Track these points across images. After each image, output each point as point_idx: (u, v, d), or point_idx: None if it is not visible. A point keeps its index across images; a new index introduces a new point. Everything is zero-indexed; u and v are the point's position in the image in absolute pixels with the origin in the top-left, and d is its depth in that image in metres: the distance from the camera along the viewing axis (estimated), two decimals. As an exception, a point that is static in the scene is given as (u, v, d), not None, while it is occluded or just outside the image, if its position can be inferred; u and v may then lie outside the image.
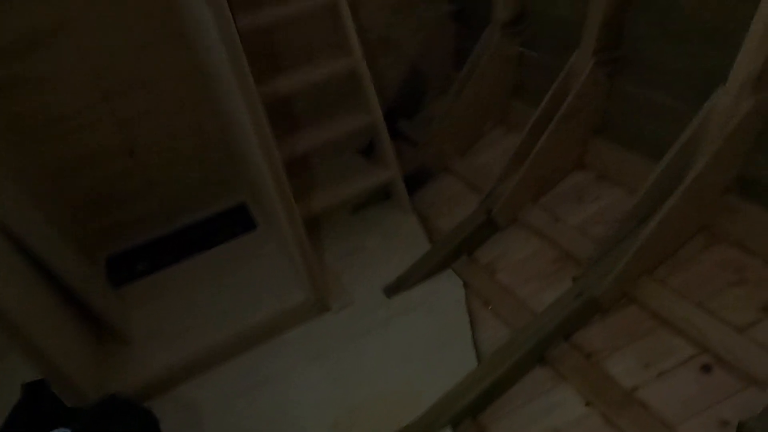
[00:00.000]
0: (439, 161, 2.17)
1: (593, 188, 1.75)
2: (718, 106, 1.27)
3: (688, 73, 1.44)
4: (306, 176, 2.18)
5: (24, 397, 1.14)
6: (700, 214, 1.40)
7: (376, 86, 1.85)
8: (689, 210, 1.36)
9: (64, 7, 1.64)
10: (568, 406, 1.33)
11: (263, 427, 1.48)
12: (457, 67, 2.41)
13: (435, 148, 2.13)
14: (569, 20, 1.75)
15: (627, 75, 1.61)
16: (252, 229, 2.14)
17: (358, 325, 1.70)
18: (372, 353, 1.61)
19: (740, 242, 1.37)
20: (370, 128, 1.92)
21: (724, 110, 1.26)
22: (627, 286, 1.40)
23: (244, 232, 2.13)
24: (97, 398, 1.27)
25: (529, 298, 1.60)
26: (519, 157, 1.79)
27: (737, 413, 1.11)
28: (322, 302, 1.74)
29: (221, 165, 2.18)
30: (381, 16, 2.18)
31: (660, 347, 1.31)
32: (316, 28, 1.98)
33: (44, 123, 1.78)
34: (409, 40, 2.31)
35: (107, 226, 2.07)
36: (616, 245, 1.45)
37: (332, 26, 1.83)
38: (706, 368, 1.22)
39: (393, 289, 1.79)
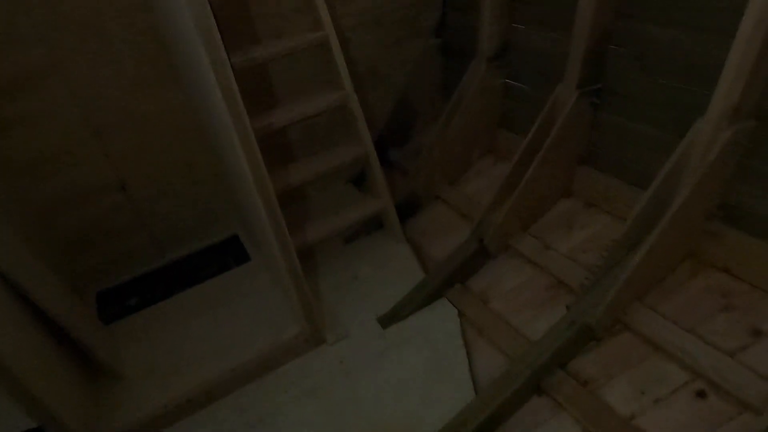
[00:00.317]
0: (429, 190, 2.20)
1: (581, 216, 1.79)
2: (699, 137, 1.33)
3: (667, 105, 1.49)
4: (298, 207, 2.20)
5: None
6: (686, 241, 1.44)
7: (366, 117, 1.89)
8: (675, 237, 1.40)
9: (56, 47, 1.66)
10: (566, 435, 1.33)
11: (260, 466, 1.45)
12: (444, 98, 2.47)
13: (425, 177, 2.17)
14: (551, 54, 1.82)
15: (610, 106, 1.67)
16: (244, 261, 2.13)
17: (354, 357, 1.70)
18: (368, 386, 1.60)
19: (726, 267, 1.41)
20: (361, 159, 1.95)
21: (704, 141, 1.31)
22: (619, 313, 1.43)
23: (236, 265, 2.13)
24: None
25: (524, 326, 1.61)
26: (508, 186, 1.83)
27: (733, 439, 1.13)
28: (317, 335, 1.74)
29: (212, 198, 2.18)
30: (369, 50, 2.23)
31: (654, 374, 1.33)
32: (307, 63, 2.03)
33: (34, 162, 1.78)
34: (396, 73, 2.36)
35: (97, 262, 2.05)
36: (607, 273, 1.48)
37: (323, 61, 1.87)
38: (700, 394, 1.24)
39: (388, 320, 1.79)
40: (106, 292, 2.08)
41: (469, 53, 2.11)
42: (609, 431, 1.27)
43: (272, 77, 2.02)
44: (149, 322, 1.90)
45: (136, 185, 2.00)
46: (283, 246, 1.52)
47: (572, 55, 1.63)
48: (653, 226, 1.39)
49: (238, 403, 1.62)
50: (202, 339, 1.79)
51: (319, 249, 2.12)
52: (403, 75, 2.38)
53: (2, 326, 1.29)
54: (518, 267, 1.79)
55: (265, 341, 1.72)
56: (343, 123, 2.02)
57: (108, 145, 1.88)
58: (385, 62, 2.31)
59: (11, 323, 1.34)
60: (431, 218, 2.17)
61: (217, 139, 1.66)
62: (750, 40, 1.16)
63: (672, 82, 1.46)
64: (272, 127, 1.75)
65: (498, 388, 1.43)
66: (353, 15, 2.12)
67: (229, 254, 2.20)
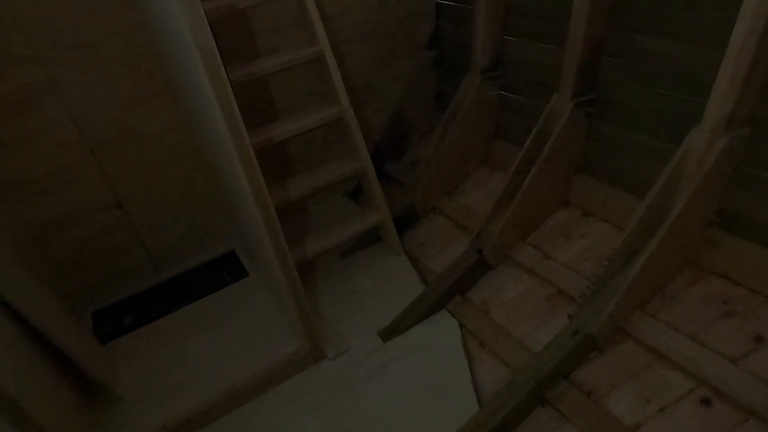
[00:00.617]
0: (426, 202, 2.21)
1: (579, 225, 1.80)
2: (695, 146, 1.34)
3: (662, 114, 1.51)
4: (296, 221, 2.19)
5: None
6: (685, 248, 1.45)
7: (362, 131, 1.89)
8: (674, 245, 1.41)
9: (52, 66, 1.66)
10: (573, 447, 1.32)
11: (262, 486, 1.43)
12: (439, 110, 2.49)
13: (422, 189, 2.17)
14: (545, 65, 1.84)
15: (605, 116, 1.68)
16: (242, 277, 2.12)
17: (355, 371, 1.68)
18: (371, 401, 1.58)
19: (725, 274, 1.41)
20: (358, 173, 1.95)
21: (700, 149, 1.33)
22: (621, 322, 1.43)
23: (233, 281, 2.11)
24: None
25: (525, 337, 1.61)
26: (506, 197, 1.83)
27: (740, 447, 1.13)
28: (318, 350, 1.72)
29: (209, 214, 2.17)
30: (364, 64, 2.25)
31: (658, 382, 1.32)
32: (303, 77, 2.04)
33: (30, 180, 1.77)
34: (391, 86, 2.38)
35: (93, 281, 2.03)
36: (608, 282, 1.48)
37: (319, 76, 1.88)
38: (705, 402, 1.24)
39: (388, 333, 1.78)
40: (102, 310, 2.06)
41: (463, 66, 2.13)
42: (615, 442, 1.27)
43: (269, 92, 2.03)
44: (146, 341, 1.88)
45: (132, 203, 1.98)
46: (283, 261, 1.51)
47: (566, 66, 1.65)
48: (652, 234, 1.40)
49: (239, 421, 1.59)
50: (200, 357, 1.77)
51: (317, 263, 2.11)
52: (398, 88, 2.40)
53: (0, 350, 1.27)
54: (518, 277, 1.79)
55: (265, 358, 1.70)
56: (339, 137, 2.02)
57: (104, 164, 1.87)
58: (380, 76, 2.32)
59: (8, 344, 1.32)
60: (429, 230, 2.17)
61: (214, 154, 1.66)
62: (742, 49, 1.17)
63: (666, 92, 1.48)
64: (270, 142, 1.75)
65: (502, 400, 1.43)
66: (347, 29, 2.13)
67: (226, 270, 2.19)
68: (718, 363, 1.26)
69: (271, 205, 1.41)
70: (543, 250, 1.79)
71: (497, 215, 1.86)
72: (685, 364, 1.30)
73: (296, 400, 1.63)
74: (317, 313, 1.88)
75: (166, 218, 2.09)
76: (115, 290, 2.09)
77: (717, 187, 1.36)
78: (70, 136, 1.78)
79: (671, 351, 1.33)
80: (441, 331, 1.75)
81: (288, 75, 1.98)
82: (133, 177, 1.95)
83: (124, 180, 1.93)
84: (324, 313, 1.89)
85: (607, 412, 1.32)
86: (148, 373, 1.74)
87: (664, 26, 1.43)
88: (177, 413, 1.56)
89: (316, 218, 2.30)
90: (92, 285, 2.03)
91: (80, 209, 1.90)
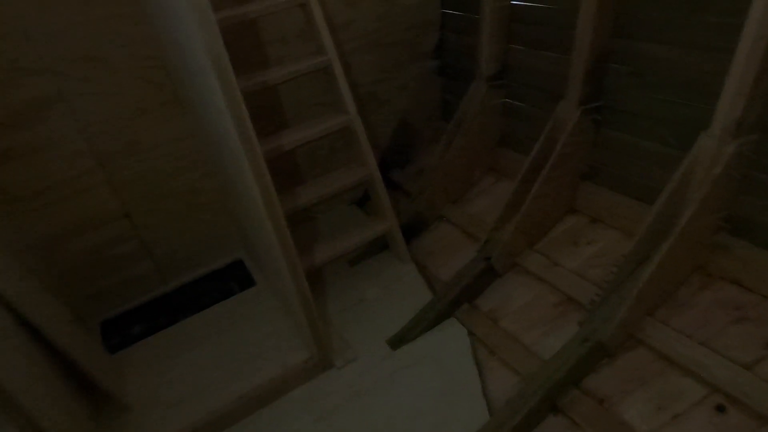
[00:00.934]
0: (433, 210, 2.21)
1: (587, 232, 1.80)
2: (703, 151, 1.34)
3: (668, 120, 1.52)
4: (304, 230, 2.19)
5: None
6: (695, 254, 1.45)
7: (368, 140, 1.90)
8: (684, 251, 1.40)
9: (61, 77, 1.67)
10: (585, 455, 1.31)
11: (272, 496, 1.42)
12: (444, 118, 2.50)
13: (428, 197, 2.17)
14: (551, 73, 1.85)
15: (612, 123, 1.69)
16: (249, 286, 2.12)
17: (364, 380, 1.67)
18: (380, 410, 1.57)
19: (736, 280, 1.41)
20: (365, 181, 1.96)
21: (709, 155, 1.33)
22: (632, 328, 1.42)
23: (240, 290, 2.11)
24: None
25: (535, 344, 1.60)
26: (513, 204, 1.84)
27: (756, 454, 1.11)
28: (326, 359, 1.72)
29: (216, 223, 2.18)
30: (370, 74, 2.26)
31: (671, 389, 1.31)
32: (310, 87, 2.05)
33: (38, 191, 1.77)
34: (397, 95, 2.39)
35: (101, 291, 2.03)
36: (617, 289, 1.48)
37: (326, 85, 1.90)
38: (720, 409, 1.23)
39: (397, 342, 1.77)
40: (110, 320, 2.06)
41: (468, 74, 2.14)
42: (629, 450, 1.26)
43: (277, 102, 2.04)
44: (154, 351, 1.88)
45: (139, 213, 1.99)
46: (293, 269, 1.51)
47: (573, 73, 1.66)
48: (662, 240, 1.40)
49: (248, 430, 1.58)
50: (208, 366, 1.77)
51: (324, 272, 2.11)
52: (403, 97, 2.41)
53: (11, 359, 1.27)
54: (526, 284, 1.79)
55: (274, 366, 1.69)
56: (345, 145, 2.04)
57: (112, 174, 1.88)
58: (385, 85, 2.34)
59: (19, 354, 1.32)
60: (436, 238, 2.17)
61: (223, 164, 1.66)
62: (750, 55, 1.18)
63: (672, 98, 1.49)
64: (278, 151, 1.76)
65: (513, 409, 1.42)
66: (353, 39, 2.15)
67: (233, 279, 2.19)
68: (731, 369, 1.25)
69: (281, 213, 1.42)
70: (551, 257, 1.78)
71: (504, 223, 1.86)
72: (697, 370, 1.29)
73: (305, 409, 1.62)
74: (325, 322, 1.87)
75: (173, 228, 2.09)
76: (122, 300, 2.09)
77: (726, 192, 1.36)
78: (78, 147, 1.79)
79: (683, 357, 1.33)
80: (450, 340, 1.74)
81: (295, 84, 1.99)
82: (140, 187, 1.96)
83: (131, 190, 1.94)
84: (332, 322, 1.89)
85: (620, 420, 1.31)
86: (156, 382, 1.74)
87: (670, 33, 1.44)
88: (185, 423, 1.56)
89: (323, 226, 2.30)
90: (100, 295, 2.03)
91: (88, 220, 1.91)
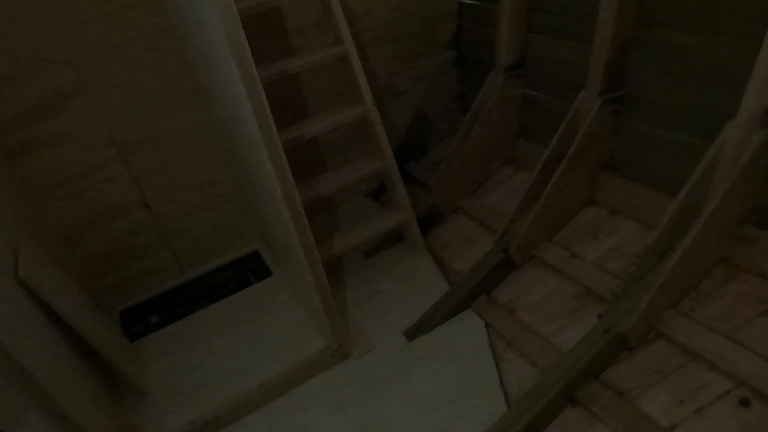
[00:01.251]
0: (449, 202, 2.20)
1: (607, 223, 1.77)
2: (729, 141, 1.31)
3: (692, 110, 1.49)
4: (320, 221, 2.19)
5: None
6: (719, 246, 1.42)
7: (385, 131, 1.89)
8: (709, 242, 1.38)
9: (82, 69, 1.69)
10: (605, 447, 1.30)
11: (290, 484, 1.43)
12: (461, 110, 2.48)
13: (445, 188, 2.16)
14: (570, 62, 1.82)
15: (633, 113, 1.66)
16: (265, 276, 2.13)
17: (381, 371, 1.68)
18: (397, 400, 1.58)
19: (761, 272, 1.38)
20: (382, 172, 1.95)
21: (735, 144, 1.30)
22: (653, 321, 1.40)
23: (257, 281, 2.12)
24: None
25: (553, 336, 1.59)
26: (531, 195, 1.82)
27: (783, 448, 1.10)
28: (343, 349, 1.72)
29: (233, 214, 2.19)
30: (386, 64, 2.25)
31: (693, 382, 1.30)
32: (327, 77, 2.05)
33: (60, 182, 1.80)
34: (413, 86, 2.38)
35: (120, 280, 2.06)
36: (639, 280, 1.46)
37: (343, 75, 1.89)
38: (744, 402, 1.21)
39: (414, 333, 1.77)
40: (129, 309, 2.08)
41: (486, 65, 2.12)
42: (650, 442, 1.25)
43: (294, 92, 2.04)
44: (172, 340, 1.90)
45: (158, 203, 2.01)
46: (311, 259, 1.51)
47: (594, 63, 1.63)
48: (685, 231, 1.37)
49: (265, 419, 1.60)
50: (226, 355, 1.78)
51: (340, 263, 2.11)
52: (420, 88, 2.40)
53: (36, 346, 1.29)
54: (544, 277, 1.77)
55: (291, 356, 1.70)
56: (361, 136, 2.03)
57: (132, 164, 1.90)
58: (402, 76, 2.32)
59: (45, 341, 1.34)
60: (452, 230, 2.16)
61: (242, 155, 1.67)
62: (780, 41, 1.15)
63: (697, 87, 1.46)
64: (296, 141, 1.76)
65: (531, 400, 1.41)
66: (370, 30, 2.14)
67: (249, 270, 2.20)
68: (756, 363, 1.23)
69: (299, 203, 1.42)
70: (570, 249, 1.77)
71: (523, 214, 1.84)
72: (721, 363, 1.27)
73: (322, 398, 1.63)
74: (342, 312, 1.88)
75: (190, 219, 2.11)
76: (141, 289, 2.12)
77: (753, 183, 1.33)
78: (99, 137, 1.81)
79: (706, 350, 1.31)
80: (467, 331, 1.74)
81: (312, 75, 1.99)
82: (159, 178, 1.97)
83: (150, 181, 1.96)
84: (349, 312, 1.90)
85: (641, 413, 1.30)
86: (175, 371, 1.76)
87: (695, 20, 1.41)
88: (205, 411, 1.57)
89: (339, 218, 2.30)
90: (120, 284, 2.06)
91: (109, 209, 1.93)
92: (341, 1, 1.76)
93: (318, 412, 1.59)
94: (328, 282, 1.60)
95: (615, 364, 1.43)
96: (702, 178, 1.37)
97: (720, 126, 1.34)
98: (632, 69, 1.62)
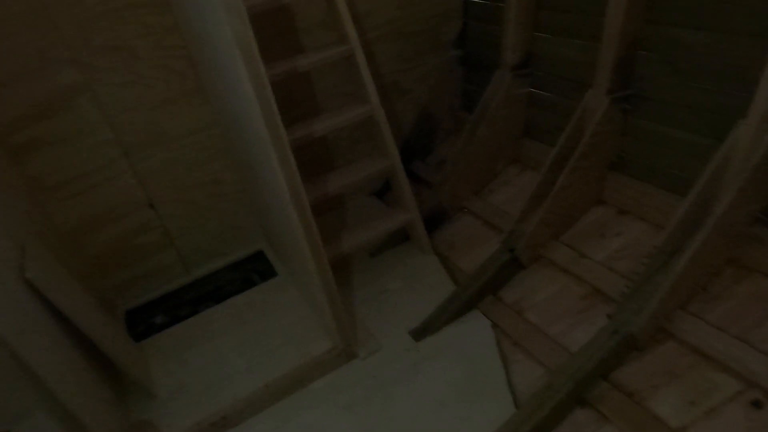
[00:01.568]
0: (455, 201, 2.19)
1: (614, 223, 1.76)
2: (741, 140, 1.30)
3: (702, 109, 1.47)
4: (326, 220, 2.19)
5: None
6: (729, 246, 1.41)
7: (390, 130, 1.88)
8: (719, 242, 1.37)
9: (87, 68, 1.68)
10: (615, 449, 1.29)
11: (297, 485, 1.42)
12: (466, 109, 2.47)
13: (450, 188, 2.15)
14: (577, 61, 1.81)
15: (641, 112, 1.65)
16: (271, 276, 2.12)
17: (387, 371, 1.67)
18: (404, 401, 1.57)
19: (772, 273, 1.37)
20: (387, 171, 1.94)
21: (746, 144, 1.29)
22: (663, 321, 1.40)
23: (262, 281, 2.12)
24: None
25: (561, 337, 1.58)
26: (538, 195, 1.81)
27: (796, 450, 1.09)
28: (349, 349, 1.72)
29: (237, 214, 2.18)
30: (391, 63, 2.24)
31: (704, 383, 1.29)
32: (333, 77, 2.04)
33: (64, 182, 1.79)
34: (418, 85, 2.37)
35: (126, 280, 2.05)
36: (648, 280, 1.45)
37: (348, 75, 1.88)
38: (756, 404, 1.20)
39: (420, 333, 1.77)
40: (134, 310, 2.08)
41: (491, 64, 2.11)
42: (660, 444, 1.24)
43: (299, 91, 2.03)
44: (178, 340, 1.89)
45: (163, 203, 2.00)
46: (318, 259, 1.51)
47: (602, 61, 1.62)
48: (695, 231, 1.36)
49: (272, 420, 1.59)
50: (232, 356, 1.78)
51: (346, 262, 2.10)
52: (425, 87, 2.39)
53: (42, 346, 1.28)
54: (551, 277, 1.76)
55: (297, 356, 1.70)
56: (365, 136, 2.02)
57: (137, 164, 1.89)
58: (407, 75, 2.31)
59: (50, 342, 1.34)
60: (458, 230, 2.15)
61: (248, 154, 1.66)
62: (793, 40, 1.14)
63: (706, 86, 1.45)
64: (302, 141, 1.75)
65: (540, 401, 1.40)
66: (375, 29, 2.13)
67: (254, 270, 2.19)
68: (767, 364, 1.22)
69: (306, 202, 1.41)
70: (577, 248, 1.76)
71: (529, 214, 1.83)
72: (732, 365, 1.26)
73: (329, 399, 1.63)
74: (348, 312, 1.87)
75: (195, 218, 2.11)
76: (146, 290, 2.12)
77: (764, 183, 1.32)
78: (104, 137, 1.80)
79: (717, 351, 1.30)
80: (473, 331, 1.73)
81: (318, 74, 1.98)
82: (164, 177, 1.97)
83: (156, 180, 1.95)
84: (355, 312, 1.89)
85: (651, 414, 1.29)
86: (180, 371, 1.75)
87: (704, 19, 1.40)
88: (211, 411, 1.57)
89: (344, 217, 2.29)
90: (125, 284, 2.06)
91: (114, 209, 1.93)
92: (346, 0, 1.75)
93: (325, 413, 1.58)
94: (335, 283, 1.59)
95: (624, 365, 1.42)
96: (712, 177, 1.36)
97: (730, 125, 1.33)
98: (641, 67, 1.61)
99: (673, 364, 1.36)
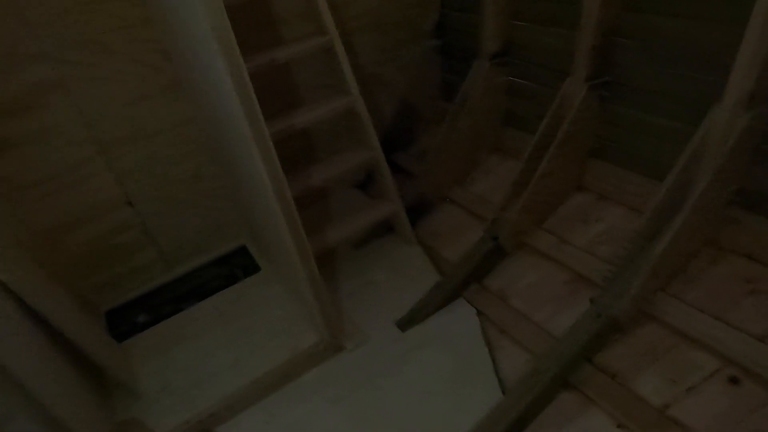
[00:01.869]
0: (437, 191, 2.20)
1: (595, 209, 1.79)
2: (716, 124, 1.33)
3: (678, 95, 1.50)
4: (308, 214, 2.17)
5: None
6: (707, 228, 1.44)
7: (371, 121, 1.88)
8: (697, 225, 1.40)
9: (60, 63, 1.63)
10: (600, 430, 1.32)
11: (288, 478, 1.42)
12: (446, 99, 2.47)
13: (433, 178, 2.16)
14: (556, 49, 1.82)
15: (620, 98, 1.67)
16: (254, 272, 2.11)
17: (375, 362, 1.67)
18: (392, 392, 1.58)
19: (748, 253, 1.41)
20: (370, 163, 1.94)
21: (721, 128, 1.32)
22: (644, 304, 1.42)
23: (246, 276, 2.10)
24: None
25: (546, 322, 1.61)
26: (520, 183, 1.82)
27: (773, 423, 1.12)
28: (336, 342, 1.72)
29: (219, 210, 2.16)
30: (371, 54, 2.23)
31: (684, 363, 1.32)
32: (311, 68, 2.02)
33: (38, 181, 1.74)
34: (399, 76, 2.36)
35: (106, 280, 2.01)
36: (629, 264, 1.47)
37: (327, 66, 1.87)
38: (733, 381, 1.23)
39: (406, 323, 1.77)
40: (115, 309, 2.04)
41: (470, 53, 2.11)
42: (643, 423, 1.27)
43: (278, 84, 2.01)
44: (161, 339, 1.87)
45: (142, 201, 1.96)
46: (302, 253, 1.50)
47: (579, 49, 1.64)
48: (673, 215, 1.39)
49: (261, 415, 1.59)
50: (218, 352, 1.76)
51: (330, 255, 2.10)
52: (405, 78, 2.38)
53: (21, 348, 1.25)
54: (535, 263, 1.79)
55: (284, 351, 1.69)
56: (346, 128, 2.01)
57: (114, 161, 1.85)
58: (387, 66, 2.30)
59: (29, 344, 1.31)
60: (441, 219, 2.16)
61: (229, 148, 1.64)
62: (764, 25, 1.16)
63: (682, 72, 1.47)
64: (283, 133, 1.73)
65: (526, 386, 1.42)
66: (353, 19, 2.11)
67: (237, 266, 2.17)
68: (745, 342, 1.25)
69: (289, 195, 1.40)
70: (559, 235, 1.78)
71: (511, 202, 1.85)
72: (711, 343, 1.30)
73: (317, 392, 1.63)
74: (334, 305, 1.87)
75: (176, 215, 2.07)
76: (127, 289, 2.08)
77: (739, 166, 1.35)
78: (78, 134, 1.75)
79: (696, 331, 1.33)
80: (459, 320, 1.75)
81: (297, 65, 1.96)
82: (142, 174, 1.93)
83: (133, 178, 1.91)
84: (341, 305, 1.89)
85: (634, 394, 1.32)
86: (166, 370, 1.73)
87: (680, 6, 1.42)
88: (199, 408, 1.55)
89: (327, 210, 2.28)
90: (105, 284, 2.02)
91: (91, 208, 1.88)
92: (324, -9, 1.73)
93: (314, 406, 1.58)
94: (320, 276, 1.58)
95: (607, 348, 1.45)
96: (689, 162, 1.39)
97: (706, 110, 1.36)
98: (619, 55, 1.63)
99: (654, 345, 1.39)
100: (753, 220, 1.39)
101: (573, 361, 1.42)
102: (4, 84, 1.58)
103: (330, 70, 1.87)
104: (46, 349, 1.40)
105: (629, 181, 1.72)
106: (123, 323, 1.98)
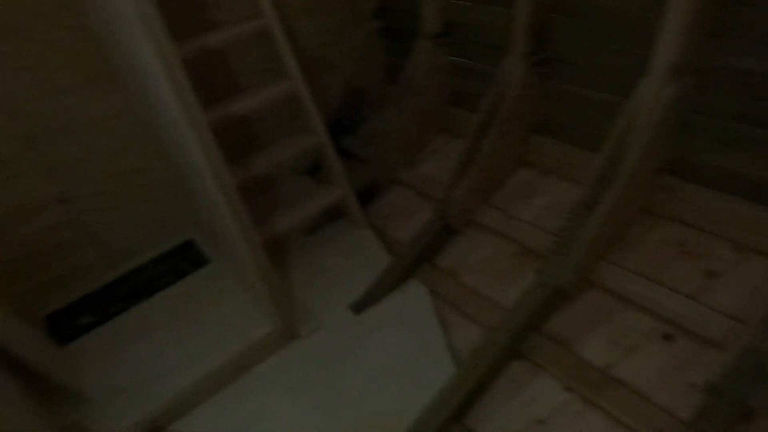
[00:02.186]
0: (387, 174, 2.20)
1: (540, 183, 1.84)
2: (644, 97, 1.39)
3: (614, 69, 1.55)
4: (256, 202, 2.13)
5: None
6: (641, 196, 1.51)
7: (316, 106, 1.85)
8: (631, 194, 1.47)
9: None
10: (549, 394, 1.37)
11: (248, 469, 1.41)
12: (391, 81, 2.46)
13: (382, 161, 2.16)
14: (496, 27, 1.84)
15: (558, 74, 1.71)
16: (203, 265, 2.05)
17: (331, 347, 1.67)
18: (350, 375, 1.58)
19: (679, 218, 1.49)
20: (316, 148, 1.92)
21: (649, 99, 1.37)
22: (586, 271, 1.48)
23: (194, 270, 2.04)
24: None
25: (496, 296, 1.65)
26: (466, 162, 1.85)
27: (704, 375, 1.20)
28: (291, 329, 1.70)
29: (163, 204, 2.08)
30: (313, 36, 2.19)
31: (624, 324, 1.39)
32: (250, 53, 1.96)
33: (-39, 179, 1.63)
34: (343, 59, 2.34)
35: (43, 282, 1.91)
36: (571, 235, 1.52)
37: (266, 50, 1.82)
38: (667, 338, 1.31)
39: (360, 306, 1.78)
40: (56, 313, 1.95)
41: (413, 34, 2.11)
42: (589, 384, 1.33)
43: (217, 70, 1.95)
44: (109, 339, 1.80)
45: (79, 197, 1.87)
46: (248, 241, 1.47)
47: (517, 26, 1.66)
48: (609, 185, 1.45)
49: (217, 408, 1.56)
50: (169, 349, 1.71)
51: (281, 243, 2.07)
52: (349, 60, 2.36)
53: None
54: (483, 239, 1.82)
55: (238, 342, 1.66)
56: (291, 113, 1.97)
57: (43, 157, 1.75)
58: (330, 48, 2.27)
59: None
60: (391, 202, 2.16)
61: (168, 138, 1.58)
62: (685, -2, 1.21)
63: (616, 47, 1.52)
64: (223, 121, 1.69)
65: (478, 359, 1.46)
66: (293, 2, 2.06)
67: (185, 260, 2.11)
68: (677, 300, 1.33)
69: (231, 184, 1.37)
70: (506, 210, 1.82)
71: (458, 181, 1.87)
72: (647, 305, 1.37)
73: (274, 381, 1.61)
74: (286, 293, 1.85)
75: (116, 211, 1.98)
76: (68, 290, 1.98)
77: (667, 135, 1.41)
78: (2, 129, 1.65)
79: (634, 294, 1.40)
80: (412, 300, 1.77)
81: (236, 50, 1.90)
82: (77, 169, 1.83)
83: (67, 173, 1.81)
84: (293, 293, 1.87)
85: (580, 358, 1.38)
86: (114, 371, 1.67)
87: (612, -19, 1.46)
88: (152, 407, 1.51)
89: (276, 198, 2.25)
90: (43, 287, 1.91)
91: (21, 208, 1.77)
92: (260, -28, 1.68)
93: (271, 395, 1.57)
94: (269, 264, 1.56)
95: (554, 316, 1.50)
96: (622, 134, 1.44)
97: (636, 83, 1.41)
98: (556, 31, 1.66)
99: (597, 311, 1.45)
100: (684, 187, 1.47)
101: (522, 331, 1.47)
102: None
103: (269, 54, 1.82)
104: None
105: (571, 155, 1.77)
106: (66, 326, 1.90)
